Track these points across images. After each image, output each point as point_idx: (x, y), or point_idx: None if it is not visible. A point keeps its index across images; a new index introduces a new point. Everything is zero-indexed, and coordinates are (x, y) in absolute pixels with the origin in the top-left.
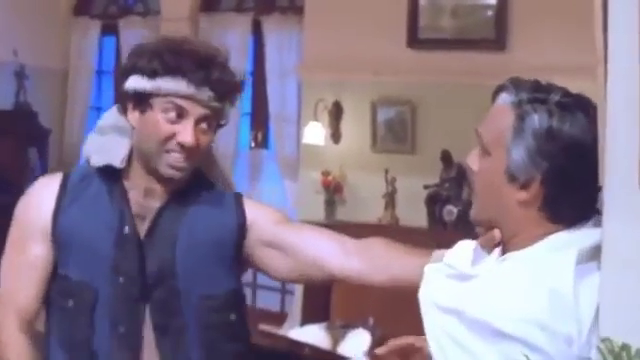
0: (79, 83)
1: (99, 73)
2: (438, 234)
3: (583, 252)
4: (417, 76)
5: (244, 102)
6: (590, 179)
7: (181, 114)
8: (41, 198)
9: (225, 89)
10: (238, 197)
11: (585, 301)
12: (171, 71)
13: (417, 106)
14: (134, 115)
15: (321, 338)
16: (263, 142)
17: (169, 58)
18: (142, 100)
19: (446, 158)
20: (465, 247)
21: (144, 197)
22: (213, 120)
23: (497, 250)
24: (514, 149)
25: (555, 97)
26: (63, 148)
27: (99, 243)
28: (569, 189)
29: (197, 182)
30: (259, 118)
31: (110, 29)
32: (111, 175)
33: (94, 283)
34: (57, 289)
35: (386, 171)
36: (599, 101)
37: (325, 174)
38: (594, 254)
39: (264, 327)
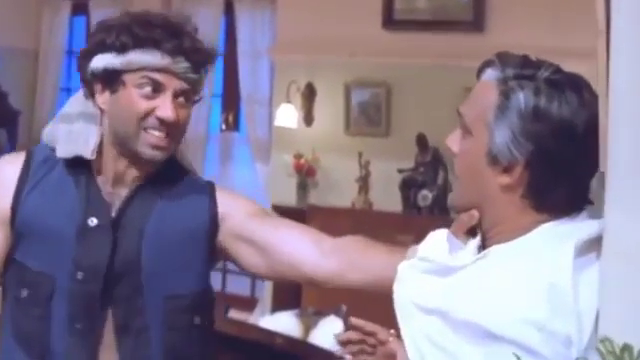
0: (49, 64)
1: (69, 54)
2: (412, 219)
3: (581, 244)
4: (392, 58)
5: (215, 84)
6: (580, 165)
7: (157, 88)
8: (2, 179)
9: (200, 57)
10: (211, 186)
11: (585, 298)
12: (143, 43)
13: (392, 88)
14: (104, 97)
15: (292, 326)
16: (234, 124)
17: (139, 30)
18: (112, 79)
19: (421, 142)
20: (437, 237)
21: (113, 183)
22: (190, 93)
23: (475, 240)
24: (497, 129)
25: (544, 74)
26: (33, 129)
27: (61, 234)
28: (556, 175)
29: (169, 168)
30: (230, 100)
31: (80, 9)
32: (78, 161)
33: (53, 275)
34: (12, 276)
35: (360, 154)
36: (599, 77)
37: (297, 157)
38: (592, 247)
39: (233, 315)
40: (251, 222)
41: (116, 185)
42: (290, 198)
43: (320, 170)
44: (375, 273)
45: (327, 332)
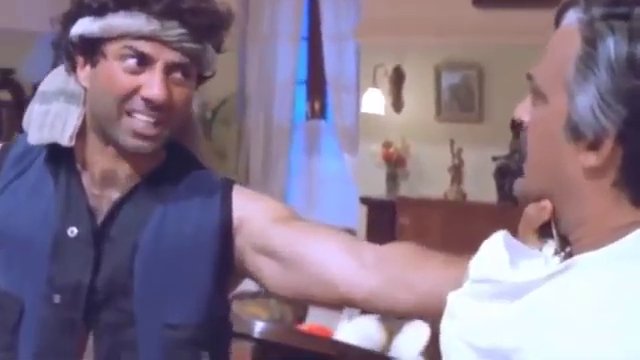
0: None
1: None
2: (508, 210)
3: None
4: (484, 37)
5: (299, 69)
6: None
7: (143, 61)
8: None
9: (203, 21)
10: (227, 185)
11: None
12: (126, 3)
13: (484, 70)
14: (84, 71)
15: (374, 331)
16: (320, 112)
17: None
18: (92, 49)
19: (516, 126)
20: (493, 246)
21: (101, 183)
22: (191, 68)
23: (549, 246)
24: (579, 89)
25: None
26: None
27: (31, 245)
28: None
29: (176, 161)
30: (315, 86)
31: None
32: (59, 154)
33: (21, 297)
34: None
35: (452, 142)
36: None
37: (386, 146)
38: None
39: (317, 316)
40: (274, 228)
41: (105, 185)
42: (380, 190)
43: (410, 159)
44: (424, 290)
45: (412, 338)
